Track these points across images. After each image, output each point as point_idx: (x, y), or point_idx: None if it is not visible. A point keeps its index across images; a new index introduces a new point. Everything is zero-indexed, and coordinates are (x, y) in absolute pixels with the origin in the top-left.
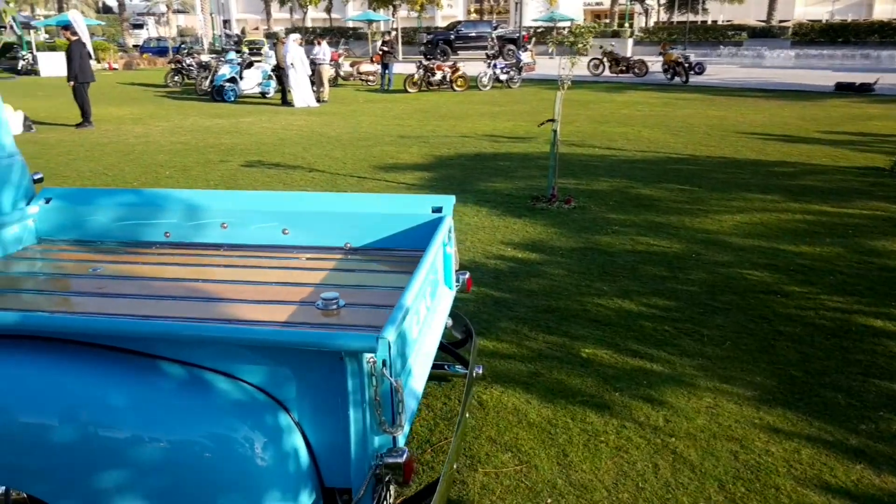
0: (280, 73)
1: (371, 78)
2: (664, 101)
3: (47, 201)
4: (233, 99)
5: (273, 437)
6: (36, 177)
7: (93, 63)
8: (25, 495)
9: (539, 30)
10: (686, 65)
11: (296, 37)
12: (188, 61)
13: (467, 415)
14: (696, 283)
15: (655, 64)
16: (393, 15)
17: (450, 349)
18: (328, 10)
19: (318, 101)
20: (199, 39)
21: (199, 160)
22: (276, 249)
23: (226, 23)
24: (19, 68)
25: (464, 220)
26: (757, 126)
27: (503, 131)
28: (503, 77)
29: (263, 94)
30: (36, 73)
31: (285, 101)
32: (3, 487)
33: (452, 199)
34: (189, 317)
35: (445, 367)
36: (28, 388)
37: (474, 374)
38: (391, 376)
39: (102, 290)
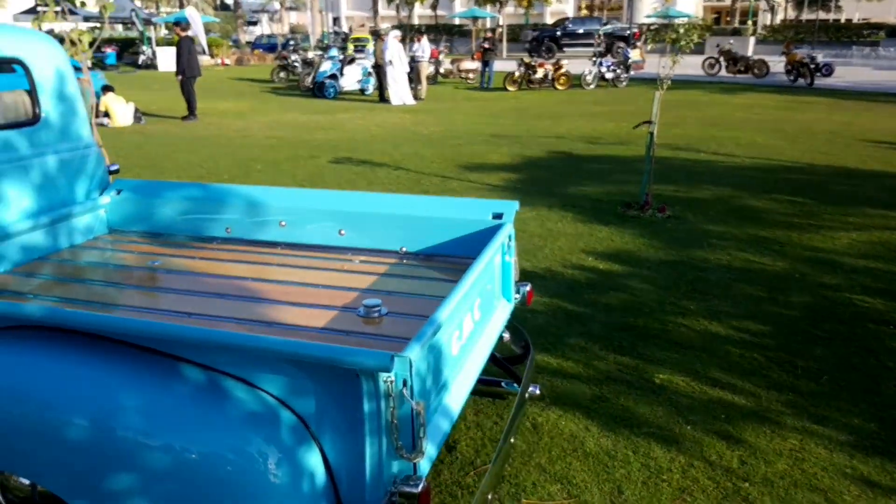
0: (379, 70)
1: (471, 75)
2: (784, 105)
3: (118, 192)
4: (333, 95)
5: (291, 451)
6: (112, 168)
7: (206, 59)
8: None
9: (653, 27)
10: (811, 66)
11: (395, 33)
12: (293, 58)
13: (513, 439)
14: (796, 308)
15: (778, 64)
16: (499, 11)
17: (505, 365)
18: (434, 6)
19: (416, 98)
20: (307, 36)
21: (291, 155)
22: (331, 250)
23: (335, 20)
24: (140, 63)
25: (546, 224)
26: (888, 134)
27: (602, 133)
28: (609, 75)
29: (362, 91)
30: (154, 67)
31: (383, 98)
32: (30, 481)
33: (515, 205)
34: (230, 316)
35: (501, 384)
36: (48, 381)
37: (528, 394)
38: (412, 398)
39: (155, 284)
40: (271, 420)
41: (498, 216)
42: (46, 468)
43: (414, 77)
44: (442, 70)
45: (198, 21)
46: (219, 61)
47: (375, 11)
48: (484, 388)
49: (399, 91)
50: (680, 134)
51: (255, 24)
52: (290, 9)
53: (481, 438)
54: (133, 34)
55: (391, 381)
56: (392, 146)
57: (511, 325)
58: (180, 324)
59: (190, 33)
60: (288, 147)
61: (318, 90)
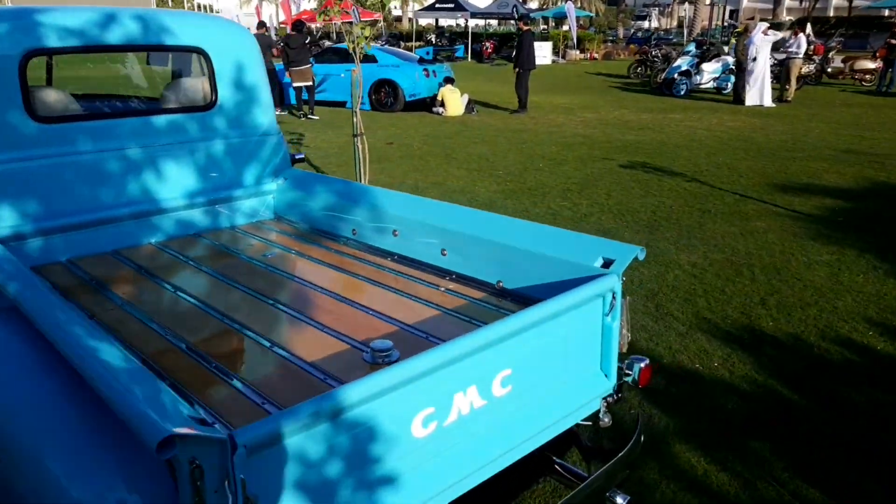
0: (739, 67)
1: (868, 77)
2: None
3: (284, 181)
4: (682, 93)
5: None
6: (298, 157)
7: (575, 53)
8: None
9: None
10: None
11: (762, 26)
12: (653, 52)
13: None
14: None
15: None
16: None
17: (586, 453)
18: None
19: (780, 100)
20: (682, 31)
21: (584, 155)
22: (429, 270)
23: (732, 13)
24: (513, 56)
25: (840, 278)
26: None
27: None
28: None
29: (719, 90)
30: None
31: (738, 99)
32: None
33: (638, 251)
34: (257, 325)
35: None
36: None
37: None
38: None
39: (244, 278)
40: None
41: (608, 263)
42: None
43: (782, 76)
44: (829, 69)
45: (572, 15)
46: (588, 56)
47: (777, 2)
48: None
49: (756, 91)
50: None
51: (643, 18)
52: (684, 1)
53: None
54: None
55: (196, 467)
56: (706, 154)
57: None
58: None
59: (570, 27)
60: (588, 146)
61: (666, 87)
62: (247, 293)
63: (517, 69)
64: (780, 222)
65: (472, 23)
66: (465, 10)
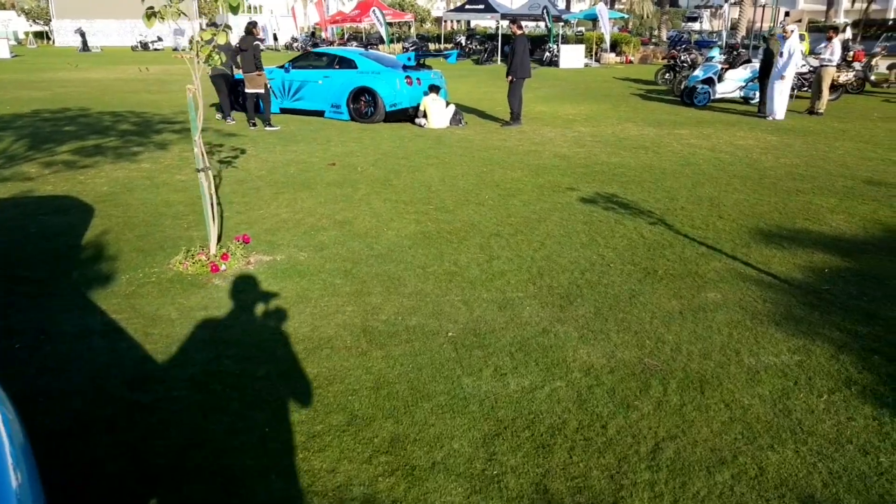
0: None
1: None
2: None
3: None
4: (703, 103)
5: None
6: None
7: (611, 56)
8: None
9: None
10: None
11: (793, 28)
12: (682, 57)
13: None
14: None
15: None
16: None
17: None
18: None
19: (812, 112)
20: (720, 33)
21: (547, 183)
22: None
23: (786, 14)
24: (543, 59)
25: (790, 406)
26: None
27: None
28: None
29: (747, 100)
30: (556, 64)
31: (762, 110)
32: None
33: None
34: None
35: None
36: None
37: None
38: None
39: None
40: None
41: None
42: None
43: (813, 85)
44: (873, 77)
45: (605, 17)
46: (624, 59)
47: (830, 3)
48: None
49: (778, 102)
50: None
51: (695, 19)
52: (737, 3)
53: None
54: (542, 31)
55: None
56: (694, 183)
57: None
58: None
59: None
60: (560, 171)
61: (688, 96)
62: None
63: (509, 77)
64: (742, 293)
65: (504, 23)
66: (496, 11)
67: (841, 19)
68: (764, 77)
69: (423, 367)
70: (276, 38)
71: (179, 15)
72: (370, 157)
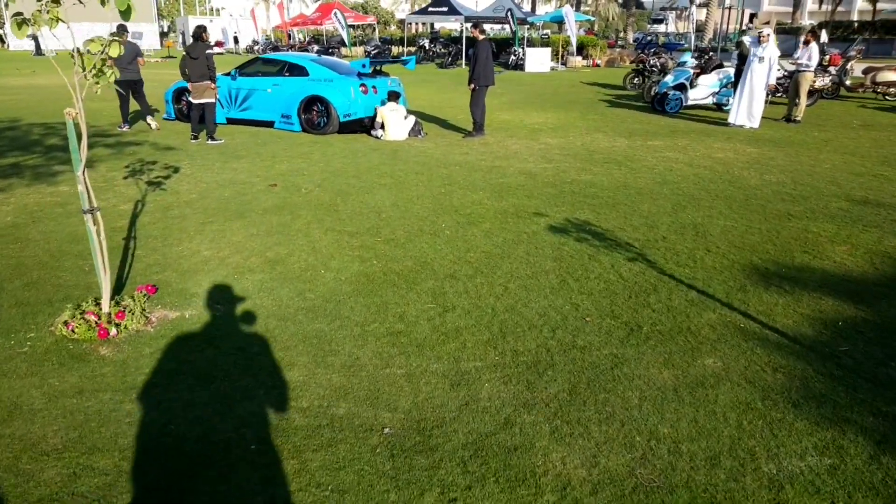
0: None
1: (893, 91)
2: None
3: None
4: (675, 110)
5: None
6: None
7: (578, 59)
8: None
9: None
10: None
11: (767, 31)
12: (651, 62)
13: None
14: None
15: None
16: None
17: None
18: None
19: (788, 119)
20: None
21: (511, 208)
22: None
23: (752, 16)
24: (508, 63)
25: None
26: None
27: None
28: None
29: (719, 106)
30: (521, 68)
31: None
32: None
33: None
34: None
35: None
36: None
37: None
38: None
39: None
40: None
41: None
42: None
43: (791, 92)
44: (848, 81)
45: (571, 20)
46: (590, 63)
47: (796, 5)
48: None
49: (746, 107)
50: None
51: (660, 21)
52: (702, 5)
53: None
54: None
55: None
56: (674, 206)
57: None
58: None
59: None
60: (526, 191)
61: (658, 103)
62: None
63: (471, 85)
64: (746, 359)
65: (468, 26)
66: (460, 13)
67: (805, 21)
68: (736, 84)
69: (346, 490)
70: (236, 41)
71: (57, 22)
72: (317, 176)
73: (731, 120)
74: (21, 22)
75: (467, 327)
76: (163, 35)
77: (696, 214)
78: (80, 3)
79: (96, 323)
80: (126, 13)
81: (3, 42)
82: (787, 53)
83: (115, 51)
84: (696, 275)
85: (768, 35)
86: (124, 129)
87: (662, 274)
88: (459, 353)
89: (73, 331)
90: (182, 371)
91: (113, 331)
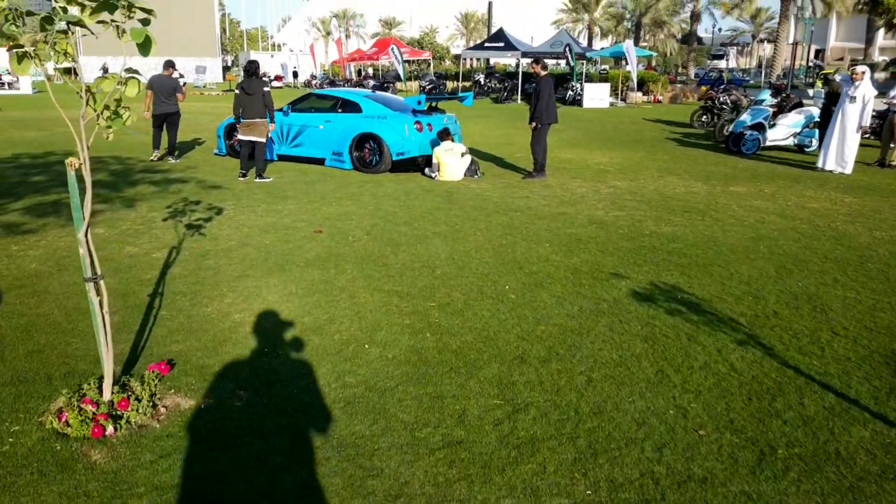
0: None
1: None
2: None
3: None
4: (753, 151)
5: None
6: None
7: (638, 95)
8: None
9: None
10: None
11: (862, 69)
12: (721, 98)
13: None
14: None
15: None
16: None
17: None
18: None
19: (882, 164)
20: (761, 71)
21: (584, 265)
22: None
23: (818, 52)
24: (566, 98)
25: None
26: None
27: None
28: None
29: (801, 148)
30: (579, 103)
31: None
32: None
33: None
34: None
35: None
36: None
37: None
38: None
39: None
40: None
41: None
42: None
43: (884, 134)
44: None
45: (632, 55)
46: (651, 99)
47: (869, 41)
48: None
49: (835, 151)
50: None
51: (720, 56)
52: (764, 40)
53: None
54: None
55: None
56: (777, 270)
57: None
58: None
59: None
60: (600, 245)
61: (733, 144)
62: None
63: (533, 124)
64: None
65: (525, 61)
66: (516, 48)
67: (877, 56)
68: (823, 124)
69: None
70: (295, 76)
71: (65, 56)
72: (366, 222)
73: (819, 164)
74: (22, 56)
75: (545, 438)
76: (225, 69)
77: (807, 282)
78: (93, 34)
79: (93, 415)
80: (144, 46)
81: (77, 75)
82: (881, 92)
83: (132, 90)
84: (827, 368)
85: (863, 73)
86: (174, 161)
87: (785, 366)
88: (538, 480)
89: (66, 423)
90: (185, 493)
91: (110, 428)
